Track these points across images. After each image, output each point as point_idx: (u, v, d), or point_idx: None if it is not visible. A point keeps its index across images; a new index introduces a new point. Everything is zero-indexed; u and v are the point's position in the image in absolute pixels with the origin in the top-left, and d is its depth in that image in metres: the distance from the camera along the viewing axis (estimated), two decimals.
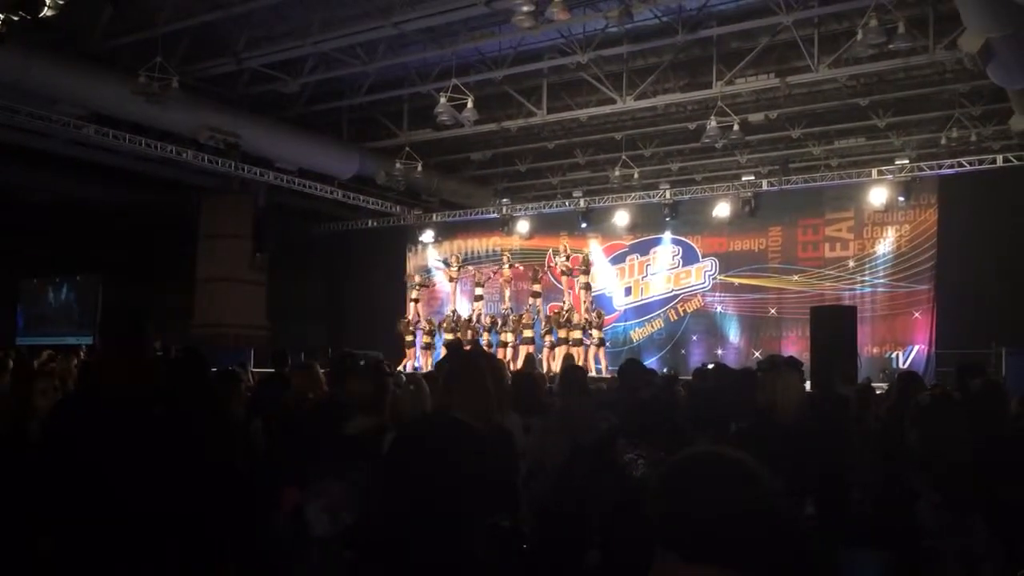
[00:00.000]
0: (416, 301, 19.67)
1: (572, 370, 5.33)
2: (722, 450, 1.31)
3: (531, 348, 16.94)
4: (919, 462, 3.45)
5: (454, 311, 18.93)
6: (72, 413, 2.60)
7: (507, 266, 19.24)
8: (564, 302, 18.31)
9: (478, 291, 19.49)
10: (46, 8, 9.48)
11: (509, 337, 17.74)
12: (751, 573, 1.18)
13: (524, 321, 17.77)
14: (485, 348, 15.97)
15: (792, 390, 3.72)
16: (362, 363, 6.26)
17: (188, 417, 2.76)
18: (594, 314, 17.26)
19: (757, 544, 1.18)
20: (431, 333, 18.57)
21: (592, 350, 16.82)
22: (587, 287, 17.80)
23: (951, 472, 3.17)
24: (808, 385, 10.40)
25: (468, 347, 12.13)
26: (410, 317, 19.28)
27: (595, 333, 16.94)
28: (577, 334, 16.97)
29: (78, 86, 13.23)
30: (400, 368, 16.22)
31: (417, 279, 20.24)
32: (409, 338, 18.95)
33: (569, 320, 17.08)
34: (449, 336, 17.42)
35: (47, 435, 2.68)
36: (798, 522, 2.98)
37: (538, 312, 18.12)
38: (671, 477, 1.27)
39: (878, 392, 8.01)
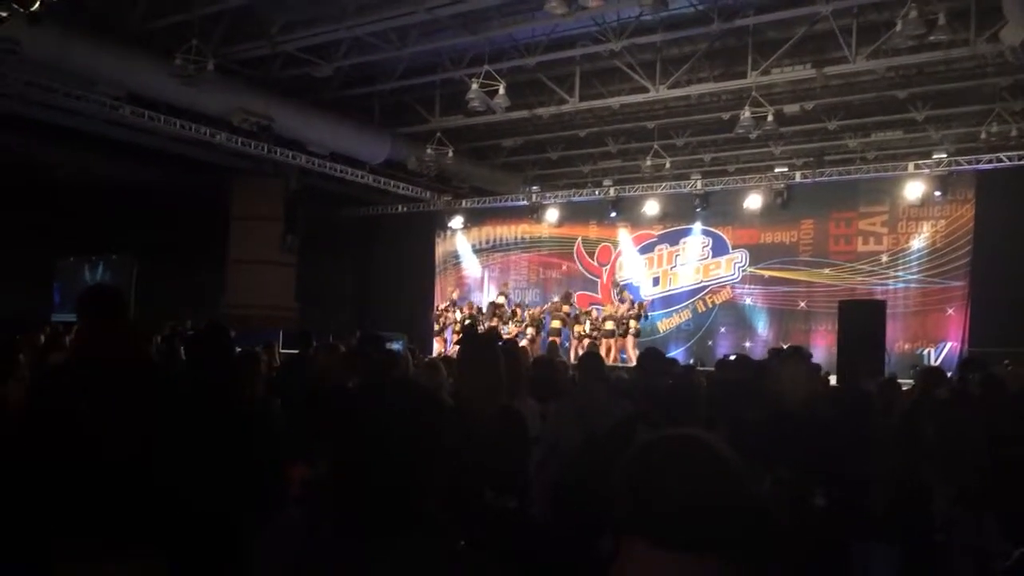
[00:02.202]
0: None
1: (589, 357, 5.33)
2: (691, 432, 1.29)
3: (558, 338, 17.00)
4: (935, 456, 3.42)
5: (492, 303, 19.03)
6: (54, 379, 2.65)
7: None
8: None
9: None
10: None
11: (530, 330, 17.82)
12: (726, 559, 1.16)
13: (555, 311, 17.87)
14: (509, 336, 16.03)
15: (797, 380, 3.69)
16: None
17: (189, 383, 2.79)
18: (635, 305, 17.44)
19: (728, 529, 1.16)
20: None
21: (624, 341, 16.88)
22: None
23: (965, 467, 3.14)
24: (833, 379, 10.35)
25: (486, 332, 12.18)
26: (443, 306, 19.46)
27: (632, 324, 17.02)
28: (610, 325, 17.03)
29: (115, 67, 13.38)
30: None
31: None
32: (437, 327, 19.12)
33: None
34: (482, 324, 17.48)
35: (31, 402, 2.73)
36: (783, 509, 2.95)
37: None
38: (638, 460, 1.25)
39: (904, 388, 7.91)
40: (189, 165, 18.16)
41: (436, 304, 20.17)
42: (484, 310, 18.61)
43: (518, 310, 18.47)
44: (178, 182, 18.96)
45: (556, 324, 17.58)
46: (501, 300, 19.20)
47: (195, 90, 13.43)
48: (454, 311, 19.35)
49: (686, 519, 1.16)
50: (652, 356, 4.93)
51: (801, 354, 4.03)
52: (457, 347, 3.91)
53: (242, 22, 13.28)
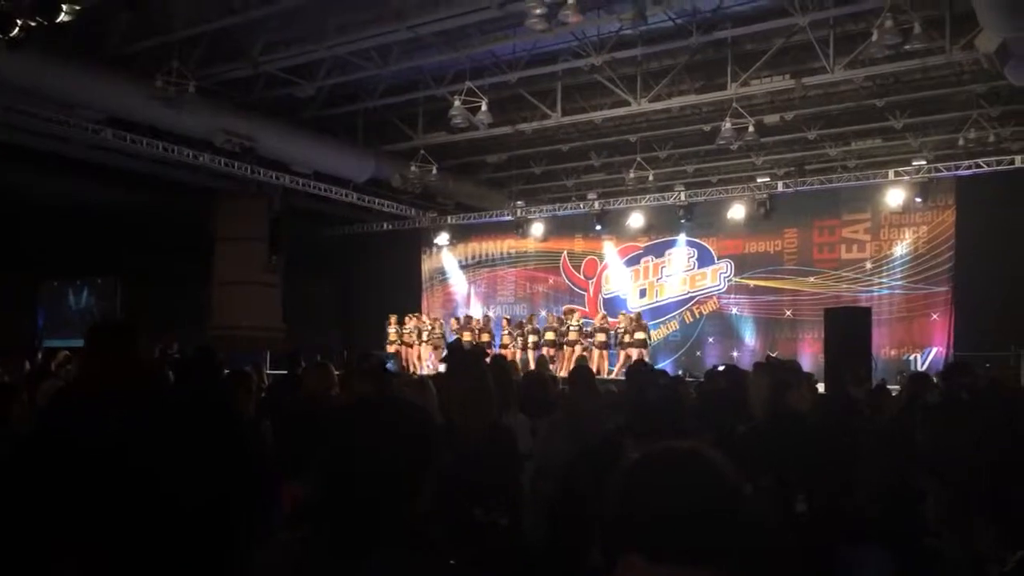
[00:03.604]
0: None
1: (580, 370, 5.34)
2: (685, 445, 1.30)
3: (551, 350, 16.99)
4: (927, 462, 3.44)
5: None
6: (63, 407, 2.63)
7: None
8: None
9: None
10: (63, 13, 9.59)
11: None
12: (723, 570, 1.17)
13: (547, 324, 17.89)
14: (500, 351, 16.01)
15: (755, 390, 3.76)
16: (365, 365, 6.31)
17: (189, 409, 2.78)
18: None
19: (725, 540, 1.17)
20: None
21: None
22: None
23: (958, 472, 3.16)
24: (821, 386, 10.41)
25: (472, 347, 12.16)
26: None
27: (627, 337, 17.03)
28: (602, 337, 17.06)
29: (96, 90, 13.36)
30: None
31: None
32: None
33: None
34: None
35: (38, 430, 2.71)
36: (771, 518, 2.97)
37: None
38: (632, 475, 1.26)
39: (894, 395, 7.96)
40: (172, 187, 18.12)
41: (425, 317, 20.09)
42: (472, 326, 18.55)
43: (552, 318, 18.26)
44: (162, 204, 18.91)
45: (550, 336, 17.55)
46: (479, 316, 19.28)
47: (177, 112, 13.42)
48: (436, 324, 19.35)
49: (683, 532, 1.17)
50: (640, 369, 4.95)
51: (765, 367, 4.07)
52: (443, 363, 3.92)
53: (222, 43, 13.28)
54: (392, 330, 19.37)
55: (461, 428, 3.23)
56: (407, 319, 19.41)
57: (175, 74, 12.56)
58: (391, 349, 18.93)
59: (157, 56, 12.80)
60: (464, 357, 3.55)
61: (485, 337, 17.98)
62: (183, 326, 17.07)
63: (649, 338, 17.06)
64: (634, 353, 16.20)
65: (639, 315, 17.57)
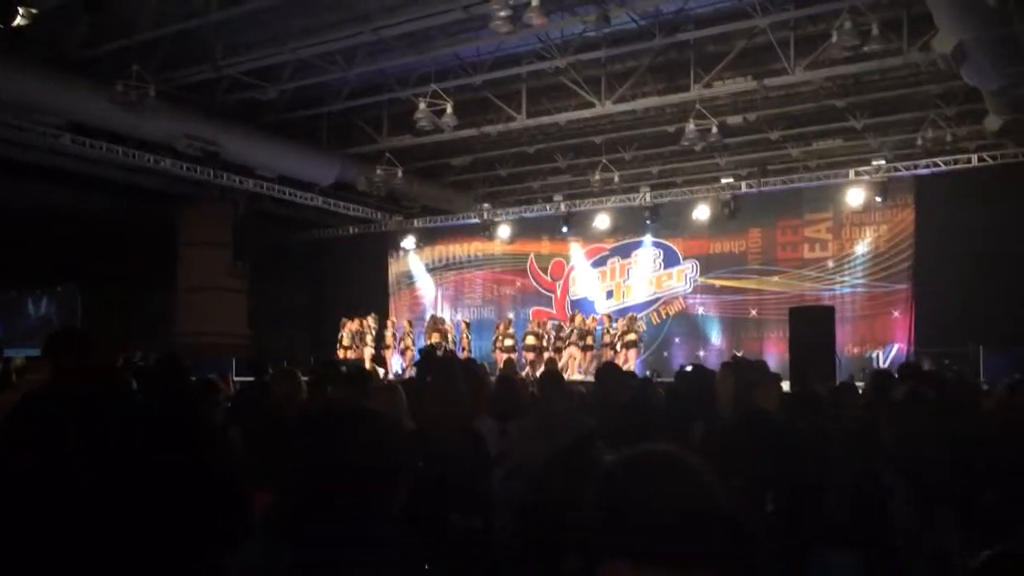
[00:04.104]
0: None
1: (550, 374, 5.35)
2: (663, 449, 1.30)
3: (514, 355, 16.97)
4: (894, 459, 3.49)
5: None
6: (27, 413, 2.57)
7: None
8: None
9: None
10: (19, 16, 9.42)
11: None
12: (710, 572, 1.18)
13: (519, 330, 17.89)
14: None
15: (723, 389, 3.81)
16: (344, 369, 6.27)
17: (154, 413, 2.73)
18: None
19: (709, 541, 1.18)
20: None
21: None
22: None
23: (924, 468, 3.22)
24: (787, 385, 10.53)
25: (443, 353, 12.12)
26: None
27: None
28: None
29: (55, 95, 13.14)
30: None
31: None
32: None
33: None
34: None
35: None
36: (753, 520, 3.00)
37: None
38: (612, 479, 1.26)
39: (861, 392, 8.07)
40: (134, 193, 17.87)
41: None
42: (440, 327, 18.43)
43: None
44: (123, 210, 18.64)
45: (531, 341, 17.47)
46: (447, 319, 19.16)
47: (138, 117, 13.22)
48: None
49: (668, 536, 1.17)
50: (610, 370, 4.97)
51: (732, 366, 4.13)
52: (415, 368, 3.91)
53: (184, 47, 13.11)
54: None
55: (434, 433, 3.22)
56: (346, 322, 18.92)
57: (136, 78, 12.39)
58: (343, 354, 18.44)
59: (117, 60, 12.60)
60: (437, 362, 3.55)
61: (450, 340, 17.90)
62: (146, 334, 16.83)
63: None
64: (632, 354, 16.29)
65: (633, 316, 17.54)
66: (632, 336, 16.71)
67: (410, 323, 19.39)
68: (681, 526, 1.18)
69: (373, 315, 19.12)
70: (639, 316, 17.81)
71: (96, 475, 2.37)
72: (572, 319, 17.94)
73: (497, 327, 18.23)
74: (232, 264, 18.80)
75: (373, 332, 18.73)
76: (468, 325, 18.97)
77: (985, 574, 1.33)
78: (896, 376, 6.80)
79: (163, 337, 17.49)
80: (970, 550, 3.73)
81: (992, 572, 1.32)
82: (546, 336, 17.46)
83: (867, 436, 4.48)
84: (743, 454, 3.01)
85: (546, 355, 16.87)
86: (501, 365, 15.76)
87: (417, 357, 16.82)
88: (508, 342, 17.51)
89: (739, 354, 16.36)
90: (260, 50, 13.10)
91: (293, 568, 1.68)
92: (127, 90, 12.40)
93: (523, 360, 16.98)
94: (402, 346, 18.79)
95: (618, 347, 16.78)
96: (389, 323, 19.42)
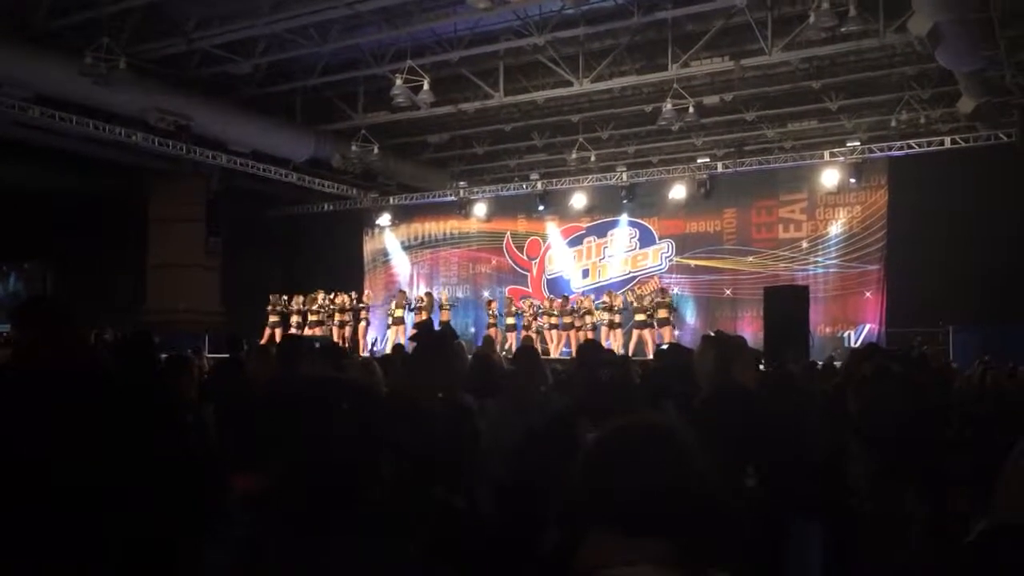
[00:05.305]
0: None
1: (524, 351, 5.35)
2: (647, 420, 1.30)
3: (493, 331, 16.93)
4: (859, 431, 3.55)
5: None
6: None
7: None
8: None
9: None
10: None
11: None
12: (696, 542, 1.18)
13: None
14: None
15: (701, 363, 3.83)
16: (317, 346, 6.22)
17: (122, 387, 2.69)
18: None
19: (694, 511, 1.18)
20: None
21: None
22: None
23: (886, 439, 3.27)
24: (762, 364, 10.63)
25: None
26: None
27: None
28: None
29: (22, 67, 12.88)
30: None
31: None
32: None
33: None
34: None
35: None
36: (738, 493, 3.03)
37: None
38: (600, 452, 1.26)
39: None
40: (104, 167, 17.58)
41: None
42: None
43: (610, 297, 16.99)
44: (93, 185, 18.35)
45: (510, 320, 17.30)
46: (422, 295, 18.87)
47: (108, 90, 13.00)
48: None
49: (656, 505, 1.17)
50: (590, 348, 4.98)
51: (711, 339, 4.16)
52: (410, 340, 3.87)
53: (155, 18, 12.90)
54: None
55: (424, 406, 3.22)
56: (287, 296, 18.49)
57: (105, 50, 12.16)
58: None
59: (86, 32, 12.37)
60: (432, 336, 3.53)
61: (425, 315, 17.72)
62: (117, 311, 16.65)
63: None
64: (666, 332, 15.62)
65: (664, 288, 16.82)
66: (664, 312, 15.79)
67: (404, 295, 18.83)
68: (669, 496, 1.18)
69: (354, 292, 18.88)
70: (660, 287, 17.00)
71: (60, 451, 2.34)
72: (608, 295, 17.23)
73: (489, 304, 18.08)
74: (205, 240, 18.60)
75: (349, 306, 18.32)
76: (430, 297, 18.31)
77: (981, 547, 1.34)
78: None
79: (135, 314, 17.30)
80: (927, 514, 3.81)
81: (989, 544, 1.34)
82: (616, 306, 16.61)
83: (835, 409, 4.55)
84: (722, 428, 3.03)
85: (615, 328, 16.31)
86: (512, 343, 15.63)
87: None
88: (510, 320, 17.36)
89: (712, 334, 16.42)
90: (233, 23, 12.89)
91: (280, 546, 1.66)
92: (96, 62, 12.18)
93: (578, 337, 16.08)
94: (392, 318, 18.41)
95: (654, 323, 15.94)
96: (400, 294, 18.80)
